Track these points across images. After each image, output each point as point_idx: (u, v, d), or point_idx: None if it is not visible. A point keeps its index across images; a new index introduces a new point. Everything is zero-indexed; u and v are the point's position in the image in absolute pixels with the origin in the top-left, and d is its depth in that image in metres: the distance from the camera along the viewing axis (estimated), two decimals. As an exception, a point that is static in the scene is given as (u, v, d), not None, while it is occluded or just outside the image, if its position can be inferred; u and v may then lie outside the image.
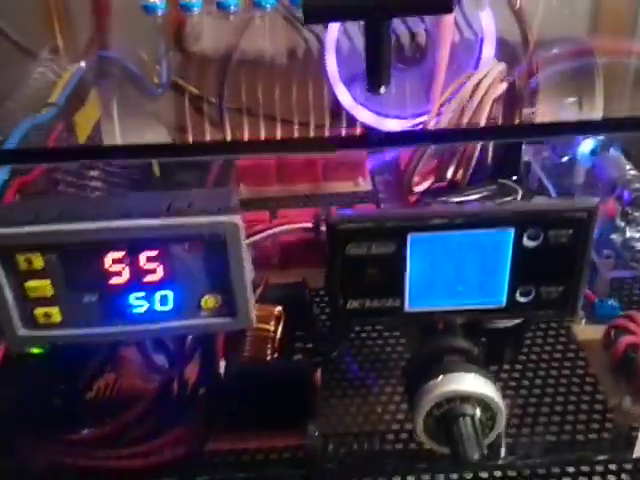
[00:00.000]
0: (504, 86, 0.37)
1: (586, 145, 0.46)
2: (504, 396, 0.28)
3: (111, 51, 0.45)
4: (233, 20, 0.43)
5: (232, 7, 0.42)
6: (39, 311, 0.26)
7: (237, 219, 0.24)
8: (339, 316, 0.27)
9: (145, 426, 0.32)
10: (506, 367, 0.36)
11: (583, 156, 0.46)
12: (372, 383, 0.35)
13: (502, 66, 0.37)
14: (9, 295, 0.25)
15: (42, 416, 0.32)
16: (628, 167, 0.44)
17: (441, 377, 0.28)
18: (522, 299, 0.26)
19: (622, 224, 0.43)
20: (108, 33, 0.44)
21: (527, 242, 0.25)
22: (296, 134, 0.53)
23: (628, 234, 0.42)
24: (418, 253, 0.25)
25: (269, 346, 0.35)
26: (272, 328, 0.36)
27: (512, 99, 0.37)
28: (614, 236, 0.43)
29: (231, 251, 0.25)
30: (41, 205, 0.25)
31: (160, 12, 0.38)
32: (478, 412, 0.27)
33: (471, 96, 0.36)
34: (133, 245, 0.25)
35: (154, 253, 0.25)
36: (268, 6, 0.39)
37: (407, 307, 0.26)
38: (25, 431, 0.31)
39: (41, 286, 0.25)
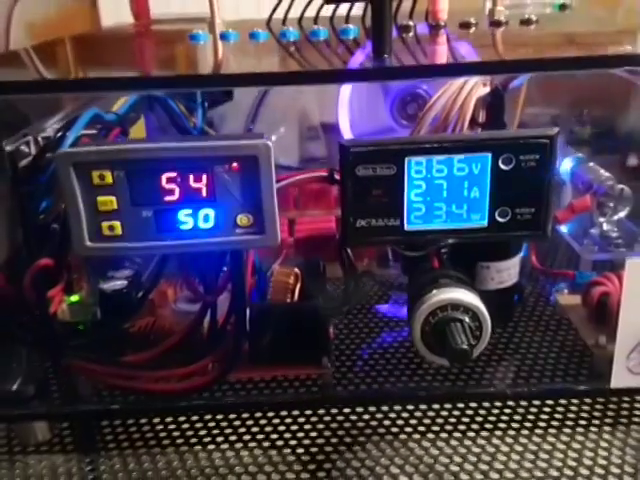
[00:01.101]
0: (486, 89, 0.43)
1: (566, 163, 0.52)
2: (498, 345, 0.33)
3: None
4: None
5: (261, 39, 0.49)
6: (105, 224, 0.31)
7: (268, 142, 0.30)
8: (349, 234, 0.32)
9: (178, 355, 0.36)
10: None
11: (564, 171, 0.52)
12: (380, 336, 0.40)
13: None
14: (82, 208, 0.31)
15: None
16: (602, 171, 0.50)
17: (435, 291, 0.33)
18: (501, 219, 0.32)
19: (600, 219, 0.48)
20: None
21: (502, 166, 0.31)
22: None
23: (605, 227, 0.48)
24: (414, 175, 0.31)
25: (288, 296, 0.40)
26: (292, 281, 0.41)
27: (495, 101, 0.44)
28: (593, 230, 0.48)
29: (263, 171, 0.31)
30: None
31: (202, 41, 0.46)
32: (467, 319, 0.32)
33: (454, 99, 0.42)
34: (183, 166, 0.31)
35: (200, 174, 0.31)
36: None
37: (406, 226, 0.32)
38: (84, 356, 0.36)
39: (108, 201, 0.31)
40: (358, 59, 0.37)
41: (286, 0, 0.51)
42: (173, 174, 0.31)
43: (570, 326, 0.41)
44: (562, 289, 0.45)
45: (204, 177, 0.31)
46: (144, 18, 0.59)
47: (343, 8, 0.51)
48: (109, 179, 0.31)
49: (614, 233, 0.49)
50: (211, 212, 0.32)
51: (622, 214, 0.47)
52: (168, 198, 0.31)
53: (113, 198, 0.31)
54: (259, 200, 0.31)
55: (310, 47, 0.41)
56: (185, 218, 0.32)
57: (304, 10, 0.52)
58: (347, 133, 0.57)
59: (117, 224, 0.32)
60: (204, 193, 0.31)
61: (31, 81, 0.34)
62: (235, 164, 0.31)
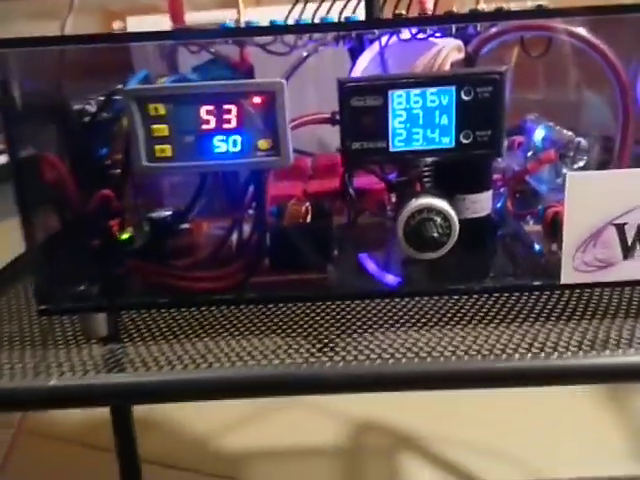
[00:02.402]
0: (461, 55, 0.52)
1: (538, 132, 0.61)
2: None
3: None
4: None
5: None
6: (158, 147, 0.41)
7: (282, 81, 0.40)
8: (347, 154, 0.41)
9: (212, 261, 0.46)
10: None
11: (538, 139, 0.61)
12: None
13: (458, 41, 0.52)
14: (141, 135, 0.41)
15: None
16: (564, 131, 0.59)
17: (414, 199, 0.42)
18: (465, 141, 0.41)
19: (563, 169, 0.57)
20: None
21: (464, 97, 0.40)
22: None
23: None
24: (396, 107, 0.40)
25: (301, 221, 0.49)
26: (303, 210, 0.50)
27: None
28: (558, 180, 0.57)
29: (279, 104, 0.40)
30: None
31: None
32: (439, 219, 0.41)
33: (432, 64, 0.50)
34: (217, 100, 0.40)
35: (230, 106, 0.40)
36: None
37: (391, 148, 0.41)
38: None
39: (161, 128, 0.41)
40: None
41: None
42: (210, 107, 0.40)
43: (532, 244, 0.49)
44: (529, 222, 0.53)
45: (233, 109, 0.40)
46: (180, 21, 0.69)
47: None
48: (162, 111, 0.40)
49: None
50: (238, 138, 0.41)
51: (581, 163, 0.55)
52: (205, 127, 0.41)
53: (165, 126, 0.41)
54: (276, 128, 0.41)
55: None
56: (218, 143, 0.41)
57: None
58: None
59: (167, 147, 0.41)
60: (233, 123, 0.41)
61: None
62: (257, 98, 0.40)
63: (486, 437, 1.08)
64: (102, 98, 0.50)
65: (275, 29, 0.41)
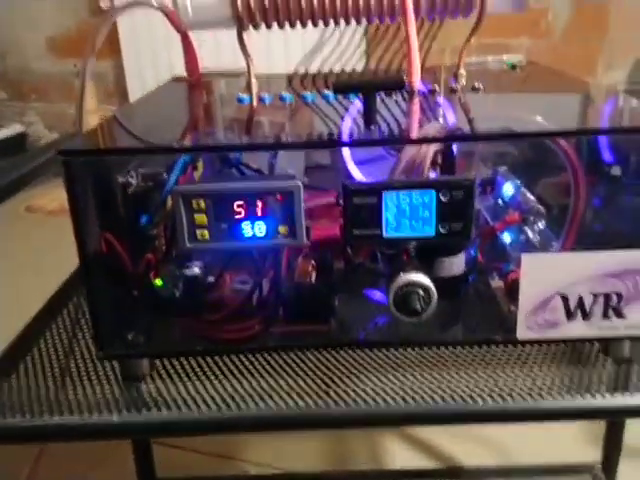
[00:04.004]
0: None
1: (507, 186, 0.72)
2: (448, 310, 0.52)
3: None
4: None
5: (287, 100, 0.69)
6: (198, 232, 0.51)
7: (299, 183, 0.50)
8: (349, 238, 0.52)
9: (239, 316, 0.56)
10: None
11: (506, 192, 0.72)
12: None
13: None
14: (185, 223, 0.51)
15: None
16: (528, 195, 0.70)
17: (402, 274, 0.53)
18: (442, 231, 0.51)
19: (526, 230, 0.68)
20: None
21: (442, 198, 0.50)
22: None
23: (530, 234, 0.68)
24: (388, 203, 0.51)
25: (308, 279, 0.60)
26: (310, 269, 0.61)
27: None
28: (522, 237, 0.68)
29: (296, 199, 0.50)
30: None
31: (246, 103, 0.66)
32: (421, 291, 0.52)
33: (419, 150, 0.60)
34: (247, 196, 0.50)
35: (257, 201, 0.51)
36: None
37: (384, 234, 0.52)
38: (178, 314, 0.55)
39: (201, 218, 0.51)
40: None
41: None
42: (241, 202, 0.51)
43: (496, 299, 0.60)
44: (495, 276, 0.64)
45: (259, 203, 0.51)
46: (195, 75, 0.79)
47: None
48: (202, 205, 0.50)
49: (535, 239, 0.68)
50: (263, 225, 0.51)
51: (541, 226, 0.67)
52: (237, 216, 0.51)
53: (204, 216, 0.51)
54: (292, 217, 0.51)
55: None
56: (247, 228, 0.51)
57: (318, 72, 0.72)
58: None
59: (205, 232, 0.51)
60: (259, 213, 0.51)
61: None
62: (279, 195, 0.51)
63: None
64: (144, 171, 0.60)
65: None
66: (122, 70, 2.63)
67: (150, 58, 2.53)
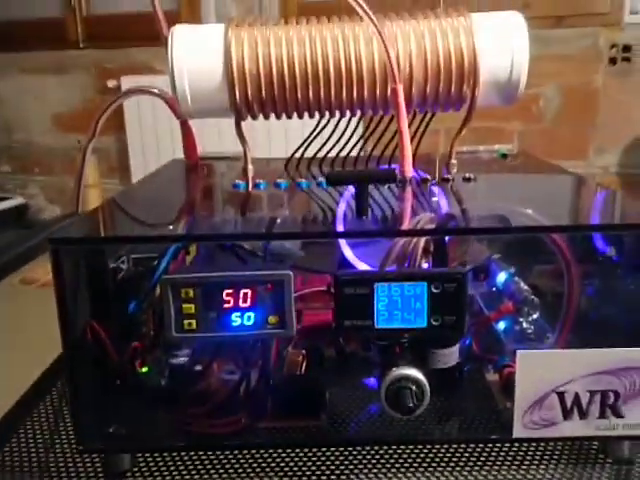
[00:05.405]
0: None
1: (501, 275, 0.72)
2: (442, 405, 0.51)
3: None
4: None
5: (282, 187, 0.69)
6: (186, 322, 0.50)
7: (290, 272, 0.49)
8: (340, 328, 0.51)
9: (225, 410, 0.54)
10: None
11: (500, 281, 0.72)
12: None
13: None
14: (172, 312, 0.50)
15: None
16: (522, 284, 0.69)
17: (394, 369, 0.51)
18: (434, 323, 0.50)
19: (520, 319, 0.67)
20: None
21: (434, 290, 0.50)
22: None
23: (524, 325, 0.67)
24: (380, 294, 0.50)
25: (298, 370, 0.58)
26: (300, 359, 0.59)
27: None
28: (516, 327, 0.67)
29: (286, 289, 0.50)
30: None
31: (242, 189, 0.66)
32: (414, 387, 0.50)
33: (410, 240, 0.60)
34: (235, 285, 0.50)
35: (246, 290, 0.50)
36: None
37: (376, 325, 0.51)
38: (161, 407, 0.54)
39: (189, 307, 0.50)
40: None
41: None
42: (230, 290, 0.50)
43: (491, 394, 0.58)
44: (489, 369, 0.63)
45: (249, 292, 0.50)
46: (194, 159, 0.80)
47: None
48: (191, 294, 0.50)
49: (529, 329, 0.67)
50: (252, 314, 0.51)
51: (535, 316, 0.66)
52: (226, 305, 0.50)
53: (192, 306, 0.50)
54: (283, 306, 0.50)
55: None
56: (236, 318, 0.50)
57: (314, 156, 0.73)
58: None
59: (193, 322, 0.50)
60: (249, 302, 0.50)
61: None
62: (269, 285, 0.50)
63: None
64: (136, 255, 0.59)
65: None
66: (125, 145, 2.68)
67: (153, 135, 2.59)
